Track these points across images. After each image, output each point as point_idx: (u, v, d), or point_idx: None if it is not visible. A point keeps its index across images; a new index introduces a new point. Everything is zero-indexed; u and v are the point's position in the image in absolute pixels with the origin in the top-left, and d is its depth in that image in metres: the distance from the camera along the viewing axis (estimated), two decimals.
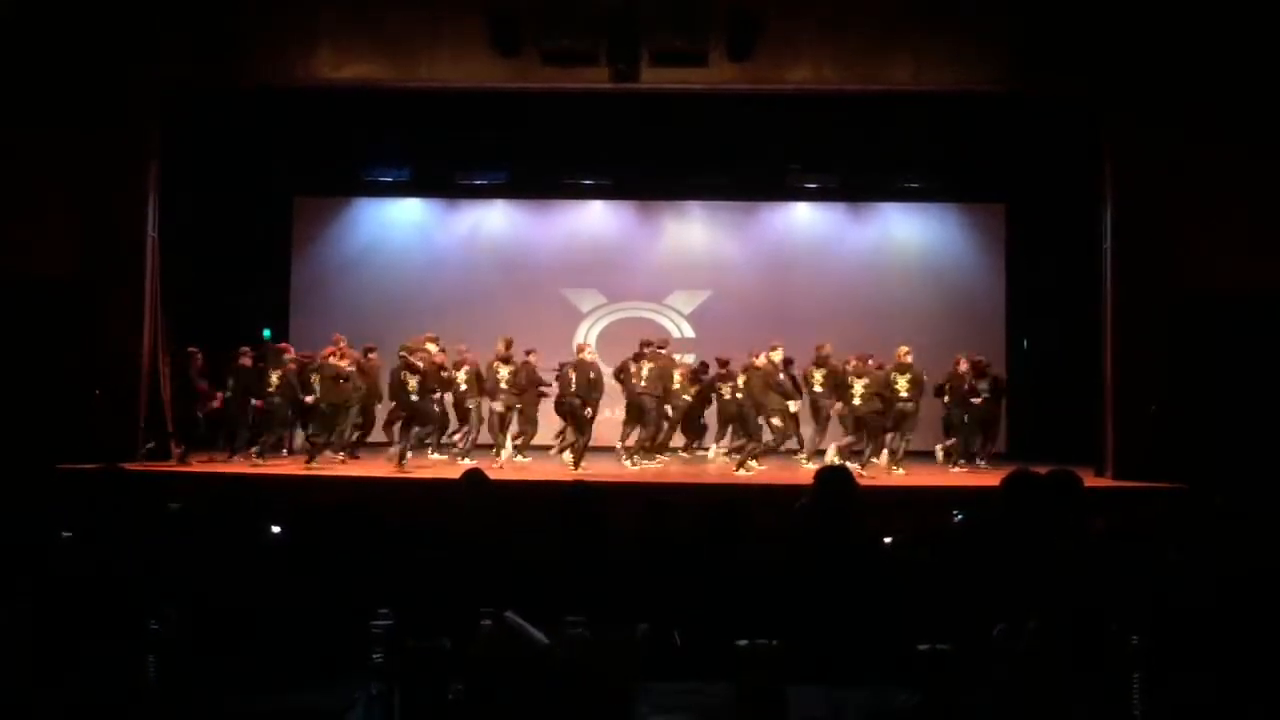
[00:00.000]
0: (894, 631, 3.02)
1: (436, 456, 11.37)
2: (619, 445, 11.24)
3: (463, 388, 11.23)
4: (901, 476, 10.48)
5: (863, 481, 6.62)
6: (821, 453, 11.02)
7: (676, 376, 11.42)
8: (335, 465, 10.70)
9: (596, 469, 10.48)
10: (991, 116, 11.72)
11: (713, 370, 12.06)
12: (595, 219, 14.30)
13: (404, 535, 4.37)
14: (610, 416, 11.94)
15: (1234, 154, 10.22)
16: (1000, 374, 11.94)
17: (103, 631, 3.04)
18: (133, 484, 4.37)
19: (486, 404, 11.34)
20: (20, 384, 10.21)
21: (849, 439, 10.96)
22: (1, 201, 10.50)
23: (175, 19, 10.47)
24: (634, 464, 10.83)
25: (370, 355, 11.65)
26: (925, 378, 10.90)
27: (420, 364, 10.48)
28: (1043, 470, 4.19)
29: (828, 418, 11.13)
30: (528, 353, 11.29)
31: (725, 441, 11.82)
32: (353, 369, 11.06)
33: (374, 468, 10.62)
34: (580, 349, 11.32)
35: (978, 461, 11.14)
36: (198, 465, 10.47)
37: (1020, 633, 2.79)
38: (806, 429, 11.55)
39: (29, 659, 3.03)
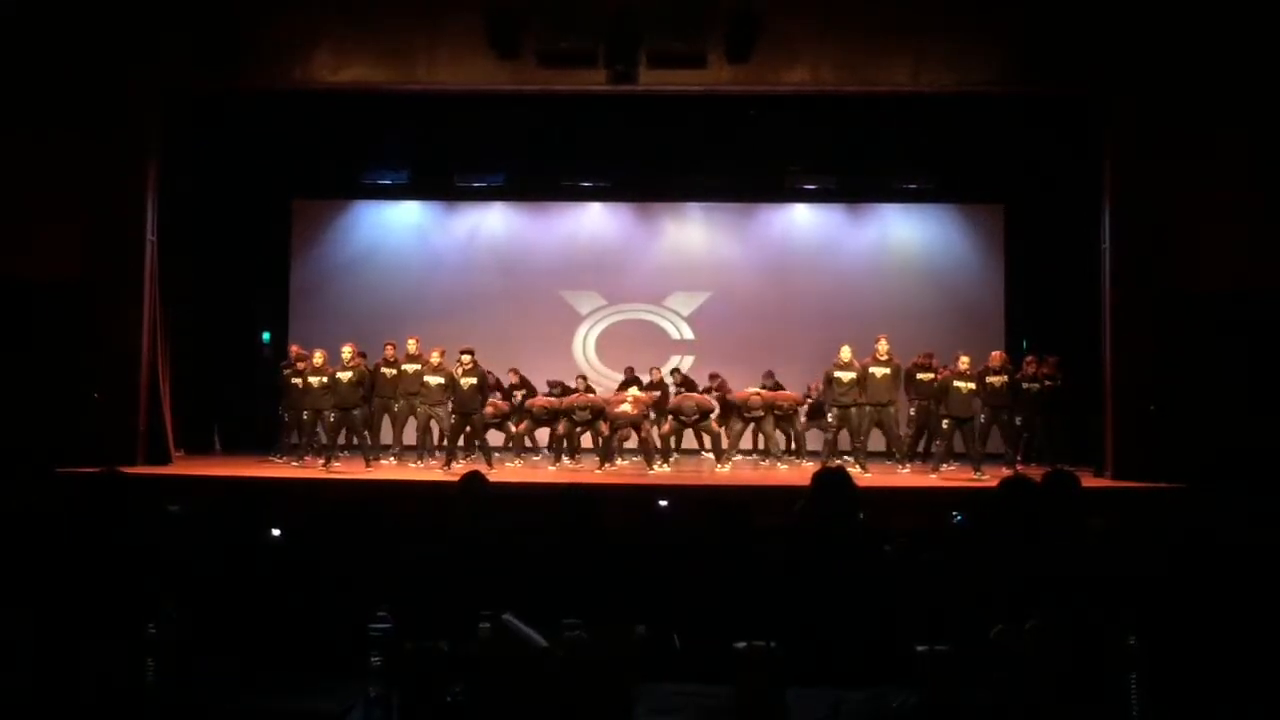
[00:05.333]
0: (892, 633, 3.02)
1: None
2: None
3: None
4: (902, 476, 10.55)
5: (861, 482, 6.63)
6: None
7: None
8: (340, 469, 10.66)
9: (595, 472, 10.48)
10: (990, 117, 11.72)
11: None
12: (594, 221, 14.30)
13: (403, 537, 4.37)
14: None
15: (1233, 154, 10.23)
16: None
17: (102, 634, 3.05)
18: (132, 487, 4.36)
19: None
20: (19, 387, 10.21)
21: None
22: (1, 203, 10.51)
23: (175, 22, 10.47)
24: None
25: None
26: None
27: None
28: (1040, 471, 4.19)
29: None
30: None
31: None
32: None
33: (374, 470, 10.61)
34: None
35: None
36: (193, 468, 10.48)
37: (1018, 633, 2.79)
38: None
39: (29, 661, 3.03)
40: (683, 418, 11.06)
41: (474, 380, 10.64)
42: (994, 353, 10.74)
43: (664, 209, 14.27)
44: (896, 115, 11.89)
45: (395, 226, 14.30)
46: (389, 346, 11.16)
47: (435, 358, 10.89)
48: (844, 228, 14.19)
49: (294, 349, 11.73)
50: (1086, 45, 10.32)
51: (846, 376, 10.64)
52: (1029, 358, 11.54)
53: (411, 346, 11.08)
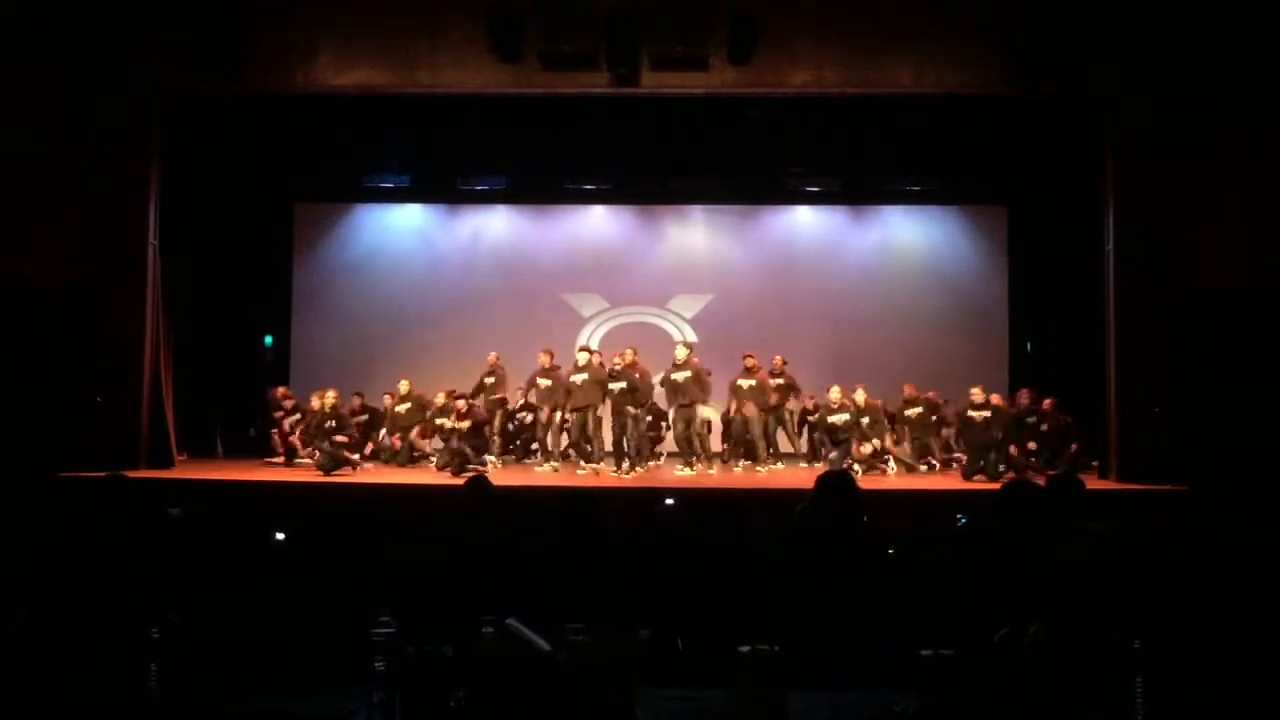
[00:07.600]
0: (896, 636, 3.01)
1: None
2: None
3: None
4: (899, 479, 10.54)
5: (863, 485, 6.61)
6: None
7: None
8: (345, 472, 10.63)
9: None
10: (993, 119, 11.70)
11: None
12: (596, 223, 14.30)
13: (407, 541, 4.37)
14: None
15: (1235, 154, 10.20)
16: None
17: (104, 637, 3.04)
18: (134, 490, 4.37)
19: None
20: (21, 390, 10.21)
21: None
22: (2, 207, 10.51)
23: (176, 25, 10.47)
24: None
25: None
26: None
27: None
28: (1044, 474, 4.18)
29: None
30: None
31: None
32: None
33: (374, 474, 10.61)
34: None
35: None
36: (195, 471, 10.48)
37: (1022, 637, 2.78)
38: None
39: (31, 666, 3.03)
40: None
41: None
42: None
43: (666, 211, 14.26)
44: (899, 117, 11.87)
45: (397, 230, 14.30)
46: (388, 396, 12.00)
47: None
48: (847, 230, 14.18)
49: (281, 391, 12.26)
50: (1088, 46, 10.29)
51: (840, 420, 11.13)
52: (1023, 390, 11.50)
53: (404, 387, 11.65)
